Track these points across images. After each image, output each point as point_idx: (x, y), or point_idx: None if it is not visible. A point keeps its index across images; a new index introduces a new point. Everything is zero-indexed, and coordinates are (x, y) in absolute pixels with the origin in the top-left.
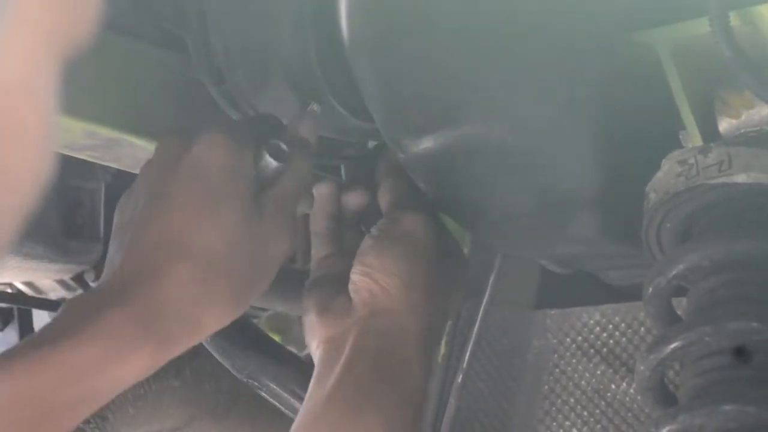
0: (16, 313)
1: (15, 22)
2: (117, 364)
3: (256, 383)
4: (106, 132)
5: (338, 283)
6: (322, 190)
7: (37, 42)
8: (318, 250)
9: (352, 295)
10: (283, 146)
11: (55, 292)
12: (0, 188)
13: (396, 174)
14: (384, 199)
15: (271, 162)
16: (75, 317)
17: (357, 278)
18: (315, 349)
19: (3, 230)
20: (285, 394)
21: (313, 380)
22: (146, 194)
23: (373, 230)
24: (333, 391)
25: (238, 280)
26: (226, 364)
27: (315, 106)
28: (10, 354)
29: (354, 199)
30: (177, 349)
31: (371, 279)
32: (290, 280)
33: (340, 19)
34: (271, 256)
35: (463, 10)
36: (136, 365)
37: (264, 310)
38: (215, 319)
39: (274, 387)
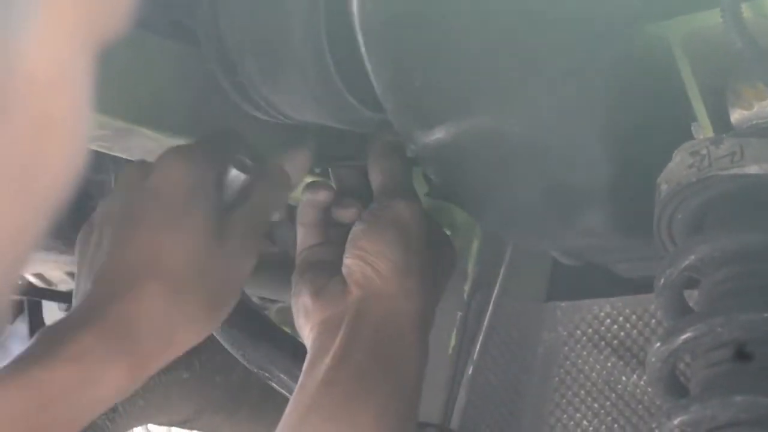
0: (26, 304)
1: (47, 12)
2: (93, 384)
3: (266, 374)
4: (117, 122)
5: (330, 268)
6: (317, 197)
7: (70, 34)
8: (305, 240)
9: (346, 277)
10: (247, 160)
11: (64, 284)
12: (32, 183)
13: (388, 156)
14: (375, 181)
15: (237, 176)
16: (49, 343)
17: (350, 261)
18: (308, 332)
19: (34, 226)
20: (295, 385)
21: (306, 364)
22: (111, 222)
23: (365, 215)
24: (327, 378)
25: (208, 296)
26: (237, 355)
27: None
28: None
29: (346, 215)
30: (152, 366)
31: (365, 262)
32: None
33: (352, 10)
34: (238, 273)
35: (474, 2)
36: (112, 384)
37: (274, 301)
38: (188, 334)
39: (285, 378)
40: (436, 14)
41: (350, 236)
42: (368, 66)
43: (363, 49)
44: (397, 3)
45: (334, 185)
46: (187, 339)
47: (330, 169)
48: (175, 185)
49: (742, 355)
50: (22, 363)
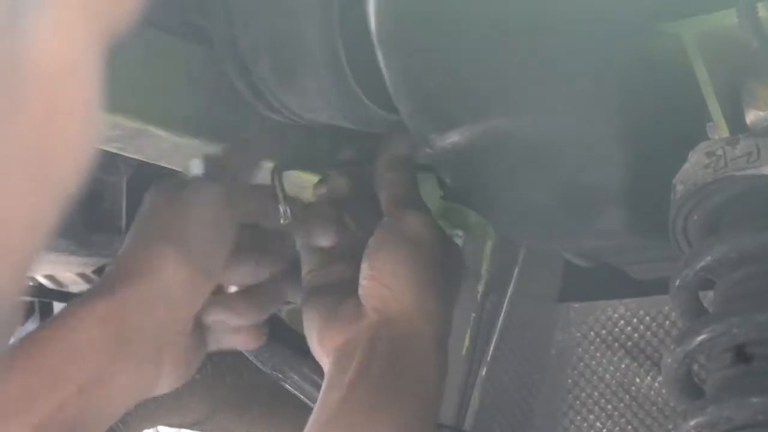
0: (37, 306)
1: (57, 4)
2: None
3: (280, 375)
4: (129, 123)
5: (337, 291)
6: (312, 238)
7: (80, 26)
8: (307, 263)
9: (362, 300)
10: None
11: (76, 285)
12: (43, 176)
13: (397, 168)
14: (383, 195)
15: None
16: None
17: (366, 283)
18: (325, 358)
19: (46, 220)
20: (308, 386)
21: (324, 385)
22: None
23: (377, 232)
24: (346, 394)
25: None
26: (250, 356)
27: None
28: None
29: (323, 241)
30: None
31: (381, 284)
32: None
33: (368, 12)
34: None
35: (490, 3)
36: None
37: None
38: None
39: (297, 378)
40: (451, 16)
41: (365, 252)
42: (383, 69)
43: (379, 53)
44: (413, 5)
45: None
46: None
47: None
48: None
49: (758, 356)
50: (92, 295)
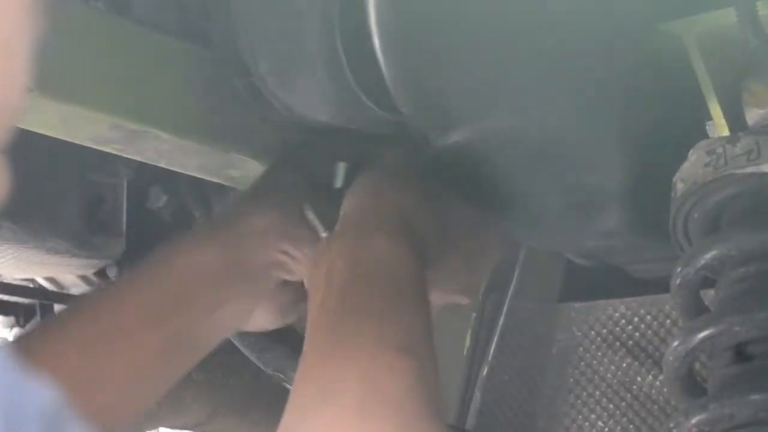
0: (38, 308)
1: None
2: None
3: (282, 375)
4: (131, 124)
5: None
6: None
7: None
8: None
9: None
10: None
11: (77, 288)
12: None
13: None
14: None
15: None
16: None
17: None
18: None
19: None
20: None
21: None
22: None
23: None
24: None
25: None
26: (253, 357)
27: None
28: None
29: None
30: None
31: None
32: None
33: (368, 14)
34: None
35: (491, 5)
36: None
37: None
38: None
39: None
40: (452, 17)
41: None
42: (384, 70)
43: (379, 54)
44: (414, 6)
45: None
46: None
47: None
48: None
49: (758, 354)
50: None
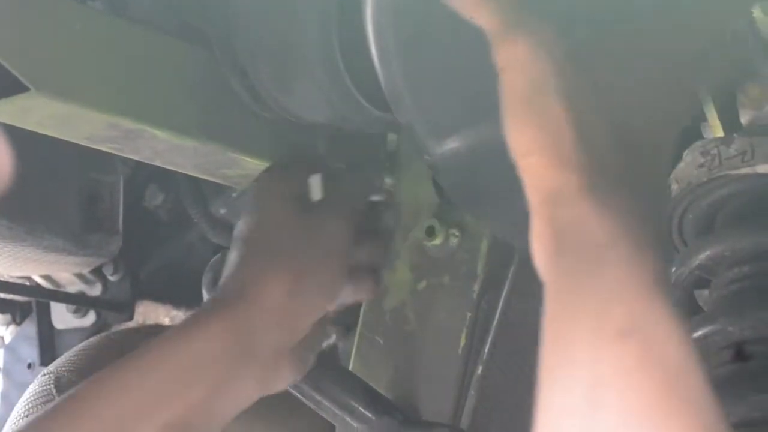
0: (34, 306)
1: None
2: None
3: None
4: (127, 123)
5: None
6: None
7: None
8: None
9: None
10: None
11: (73, 285)
12: None
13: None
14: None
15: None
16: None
17: None
18: None
19: None
20: (305, 386)
21: None
22: None
23: None
24: None
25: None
26: None
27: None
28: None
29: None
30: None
31: None
32: None
33: (366, 21)
34: (331, 243)
35: None
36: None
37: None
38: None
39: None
40: (449, 23)
41: None
42: (381, 77)
43: (376, 61)
44: (411, 12)
45: None
46: (297, 300)
47: None
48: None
49: (752, 354)
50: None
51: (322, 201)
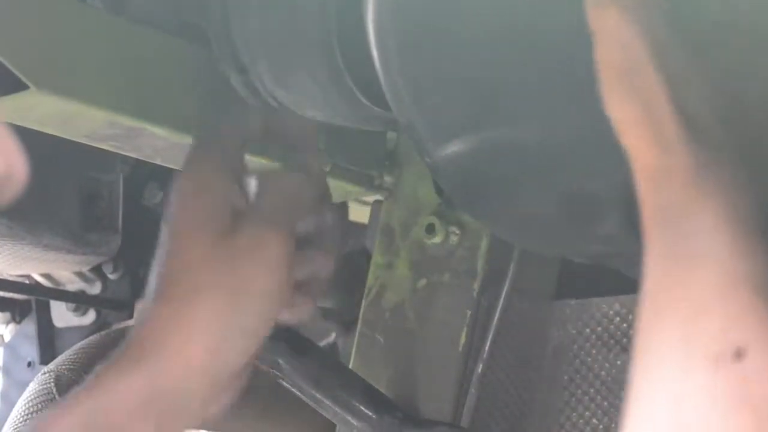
0: (34, 304)
1: None
2: None
3: (277, 372)
4: (127, 121)
5: None
6: None
7: None
8: None
9: None
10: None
11: (72, 284)
12: None
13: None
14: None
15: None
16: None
17: None
18: None
19: None
20: (305, 384)
21: None
22: None
23: None
24: None
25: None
26: None
27: None
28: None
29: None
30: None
31: None
32: None
33: (366, 21)
34: (257, 271)
35: (492, 11)
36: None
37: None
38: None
39: (296, 376)
40: (451, 24)
41: None
42: (382, 78)
43: (377, 62)
44: (412, 11)
45: None
46: (225, 345)
47: None
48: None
49: None
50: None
51: (253, 209)
